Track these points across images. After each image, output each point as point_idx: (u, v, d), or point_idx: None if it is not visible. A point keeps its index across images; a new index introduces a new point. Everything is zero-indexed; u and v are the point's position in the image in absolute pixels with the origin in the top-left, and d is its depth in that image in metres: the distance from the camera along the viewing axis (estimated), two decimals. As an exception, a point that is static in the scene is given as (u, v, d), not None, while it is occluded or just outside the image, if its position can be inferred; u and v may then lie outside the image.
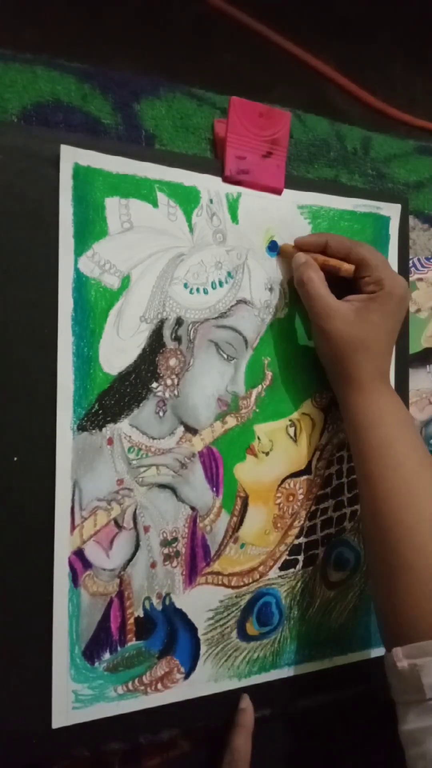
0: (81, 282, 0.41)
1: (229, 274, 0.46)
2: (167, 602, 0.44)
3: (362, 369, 0.44)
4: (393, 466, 0.42)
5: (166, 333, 0.44)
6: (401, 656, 0.38)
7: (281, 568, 0.48)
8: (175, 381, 0.44)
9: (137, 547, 0.43)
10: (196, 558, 0.45)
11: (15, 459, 0.40)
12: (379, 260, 0.45)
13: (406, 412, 0.46)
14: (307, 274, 0.45)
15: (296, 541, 0.49)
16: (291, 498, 0.49)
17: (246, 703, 0.46)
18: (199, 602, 0.45)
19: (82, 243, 0.41)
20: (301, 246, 0.47)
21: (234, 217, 0.46)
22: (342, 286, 0.46)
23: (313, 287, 0.44)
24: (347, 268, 0.45)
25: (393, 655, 0.39)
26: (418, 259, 0.55)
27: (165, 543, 0.44)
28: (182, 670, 0.45)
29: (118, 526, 0.43)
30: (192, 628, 0.45)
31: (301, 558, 0.49)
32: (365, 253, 0.45)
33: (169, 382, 0.44)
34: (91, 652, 0.42)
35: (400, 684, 0.39)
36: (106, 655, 0.42)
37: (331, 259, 0.46)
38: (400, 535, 0.40)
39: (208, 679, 0.46)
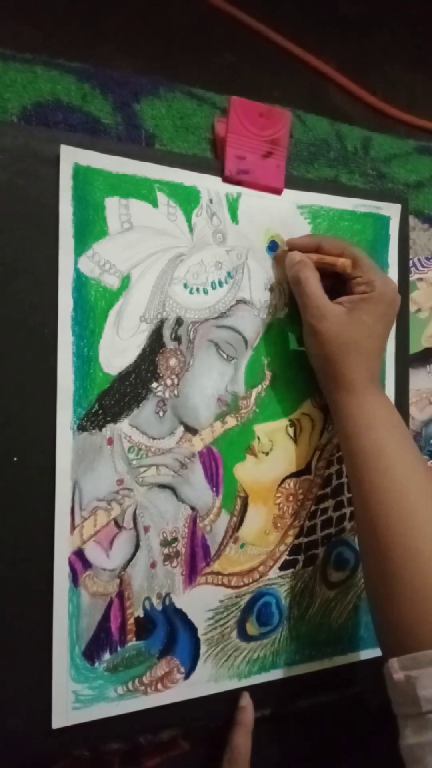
0: (81, 282, 0.41)
1: (228, 274, 0.46)
2: (167, 602, 0.44)
3: (354, 371, 0.44)
4: (383, 470, 0.42)
5: (166, 333, 0.44)
6: (397, 667, 0.37)
7: (281, 568, 0.48)
8: (175, 381, 0.44)
9: (137, 547, 0.43)
10: (196, 558, 0.45)
11: (15, 459, 0.40)
12: (370, 262, 0.45)
13: (398, 415, 0.45)
14: (303, 273, 0.45)
15: (296, 541, 0.49)
16: (291, 498, 0.49)
17: (246, 701, 0.46)
18: (199, 602, 0.45)
19: (82, 243, 0.41)
20: (293, 247, 0.47)
21: (234, 217, 0.46)
22: (332, 288, 0.46)
23: (309, 286, 0.44)
24: (343, 262, 0.45)
25: (389, 666, 0.38)
26: (419, 259, 0.55)
27: (165, 543, 0.44)
28: (182, 670, 0.45)
29: (118, 526, 0.43)
30: (192, 628, 0.45)
31: (301, 558, 0.49)
32: (358, 254, 0.45)
33: (169, 382, 0.44)
34: (91, 653, 0.42)
35: (397, 696, 0.38)
36: (106, 656, 0.42)
37: (326, 256, 0.46)
38: (391, 541, 0.40)
39: (208, 679, 0.46)
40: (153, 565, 0.44)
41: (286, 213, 0.48)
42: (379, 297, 0.44)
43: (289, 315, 0.48)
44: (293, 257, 0.46)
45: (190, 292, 0.45)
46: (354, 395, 0.44)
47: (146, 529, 0.43)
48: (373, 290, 0.44)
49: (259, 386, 0.47)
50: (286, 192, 0.48)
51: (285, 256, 0.47)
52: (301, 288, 0.45)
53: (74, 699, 0.41)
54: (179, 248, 0.44)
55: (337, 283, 0.46)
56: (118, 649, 0.43)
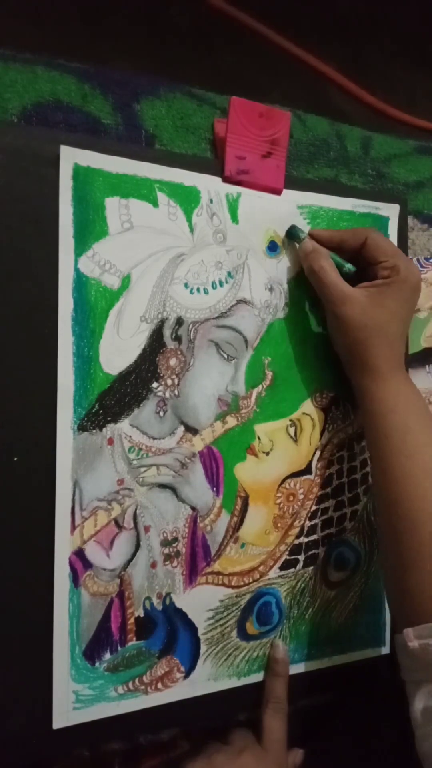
0: (81, 282, 0.41)
1: (229, 273, 0.46)
2: (167, 602, 0.44)
3: (379, 355, 0.44)
4: (409, 453, 0.42)
5: (167, 333, 0.44)
6: (412, 636, 0.39)
7: (281, 568, 0.48)
8: (176, 381, 0.44)
9: (137, 547, 0.43)
10: (197, 558, 0.45)
11: (15, 459, 0.40)
12: (394, 247, 0.46)
13: (423, 400, 0.45)
14: (318, 263, 0.45)
15: (296, 541, 0.49)
16: (291, 498, 0.49)
17: (281, 652, 0.47)
18: (199, 602, 0.45)
19: (82, 243, 0.41)
20: (316, 238, 0.47)
21: (234, 217, 0.46)
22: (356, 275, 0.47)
23: (326, 275, 0.45)
24: (348, 267, 0.47)
25: (404, 635, 0.40)
26: (418, 259, 0.55)
27: (165, 543, 0.44)
28: (182, 669, 0.45)
29: (119, 526, 0.43)
30: (192, 628, 0.45)
31: (301, 558, 0.49)
32: (381, 240, 0.46)
33: (169, 382, 0.44)
34: (91, 652, 0.42)
35: (411, 663, 0.40)
36: (107, 655, 0.42)
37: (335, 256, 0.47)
38: (418, 521, 0.41)
39: (208, 679, 0.46)
40: (153, 565, 0.44)
41: (286, 213, 0.48)
42: (402, 281, 0.44)
43: (290, 314, 0.48)
44: (305, 247, 0.47)
45: (191, 292, 0.45)
46: (380, 379, 0.44)
47: (146, 529, 0.43)
48: (397, 274, 0.44)
49: (260, 386, 0.47)
50: (286, 192, 0.48)
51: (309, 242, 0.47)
52: (318, 277, 0.45)
53: (75, 699, 0.41)
54: (180, 248, 0.44)
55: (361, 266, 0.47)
56: (119, 648, 0.43)
